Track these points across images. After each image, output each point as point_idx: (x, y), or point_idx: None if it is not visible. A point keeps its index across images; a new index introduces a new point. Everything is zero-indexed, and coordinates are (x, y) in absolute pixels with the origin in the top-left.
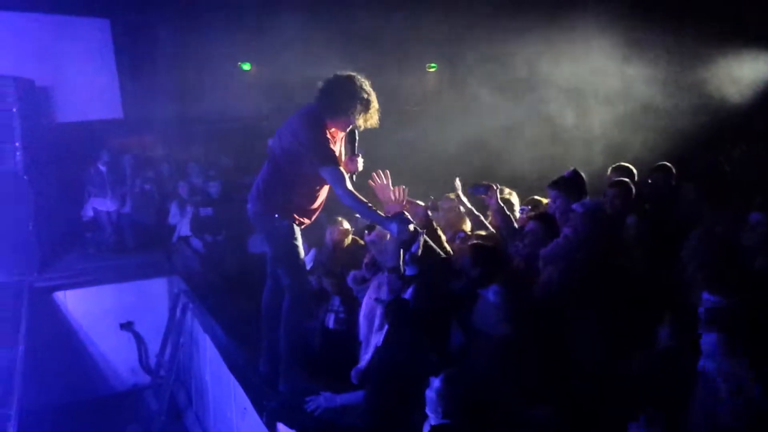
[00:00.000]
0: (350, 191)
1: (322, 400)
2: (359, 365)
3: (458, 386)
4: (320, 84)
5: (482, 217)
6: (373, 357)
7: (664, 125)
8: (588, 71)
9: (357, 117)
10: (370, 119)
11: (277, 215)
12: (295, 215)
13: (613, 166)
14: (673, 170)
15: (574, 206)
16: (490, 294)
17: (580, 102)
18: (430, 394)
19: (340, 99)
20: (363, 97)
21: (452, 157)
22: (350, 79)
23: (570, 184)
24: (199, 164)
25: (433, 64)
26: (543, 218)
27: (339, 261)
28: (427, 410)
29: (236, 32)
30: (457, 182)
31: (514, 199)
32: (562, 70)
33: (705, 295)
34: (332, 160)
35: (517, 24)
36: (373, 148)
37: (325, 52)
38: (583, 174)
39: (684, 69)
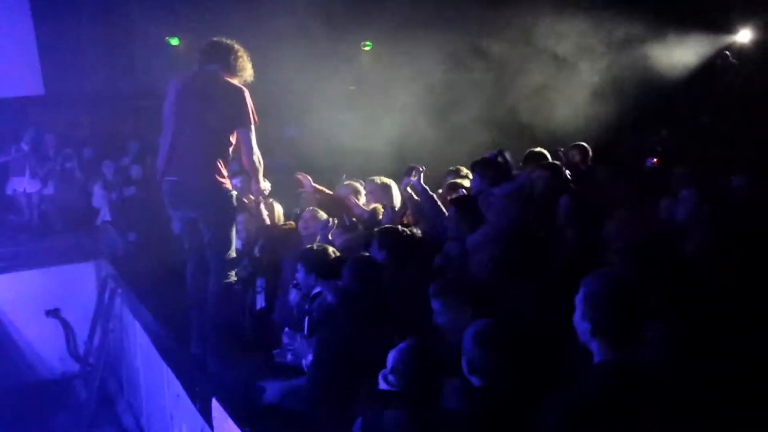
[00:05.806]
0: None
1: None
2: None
3: (418, 359)
4: (207, 47)
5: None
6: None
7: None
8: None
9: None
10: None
11: (226, 185)
12: (231, 183)
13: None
14: (589, 151)
15: (493, 191)
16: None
17: (516, 83)
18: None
19: (236, 60)
20: (246, 56)
21: (388, 137)
22: (231, 42)
23: (486, 166)
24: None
25: (368, 43)
26: (458, 203)
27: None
28: (380, 376)
29: (163, 6)
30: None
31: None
32: (502, 46)
33: None
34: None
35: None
36: (313, 129)
37: (256, 28)
38: (507, 155)
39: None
